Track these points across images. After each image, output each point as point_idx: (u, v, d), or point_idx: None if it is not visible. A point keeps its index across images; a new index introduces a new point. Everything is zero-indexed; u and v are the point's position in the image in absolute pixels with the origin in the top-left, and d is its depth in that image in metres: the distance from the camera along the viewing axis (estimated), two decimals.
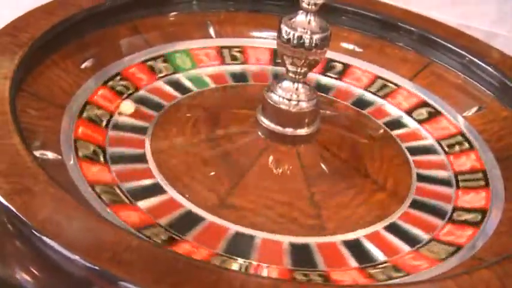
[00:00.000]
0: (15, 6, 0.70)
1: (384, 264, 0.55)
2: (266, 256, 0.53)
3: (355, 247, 0.56)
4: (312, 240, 0.56)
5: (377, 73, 0.80)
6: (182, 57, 0.77)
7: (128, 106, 0.67)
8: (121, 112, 0.66)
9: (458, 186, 0.65)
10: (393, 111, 0.75)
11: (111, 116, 0.66)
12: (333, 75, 0.80)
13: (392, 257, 0.56)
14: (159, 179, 0.59)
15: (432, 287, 0.46)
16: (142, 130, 0.65)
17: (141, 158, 0.62)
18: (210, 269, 0.43)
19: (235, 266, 0.52)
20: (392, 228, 0.59)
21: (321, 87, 0.77)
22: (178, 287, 0.41)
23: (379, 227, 0.59)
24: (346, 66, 0.81)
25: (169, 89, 0.73)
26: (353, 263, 0.54)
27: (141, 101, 0.69)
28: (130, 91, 0.70)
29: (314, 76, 0.78)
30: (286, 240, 0.55)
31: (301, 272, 0.52)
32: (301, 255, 0.54)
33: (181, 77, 0.75)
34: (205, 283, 0.41)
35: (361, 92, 0.78)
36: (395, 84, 0.78)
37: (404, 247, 0.57)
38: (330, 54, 0.78)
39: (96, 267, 0.42)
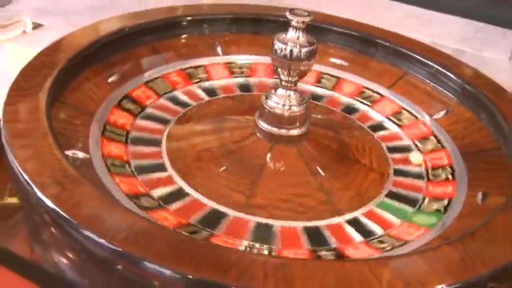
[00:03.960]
0: None
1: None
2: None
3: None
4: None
5: (362, 84, 0.79)
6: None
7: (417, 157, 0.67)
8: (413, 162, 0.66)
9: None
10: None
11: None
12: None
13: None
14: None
15: (402, 262, 0.45)
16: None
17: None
18: (209, 245, 0.43)
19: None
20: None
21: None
22: (183, 262, 0.41)
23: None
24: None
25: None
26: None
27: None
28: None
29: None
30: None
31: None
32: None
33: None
34: (206, 258, 0.41)
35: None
36: (379, 94, 0.77)
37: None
38: (321, 68, 0.79)
39: (116, 247, 0.42)
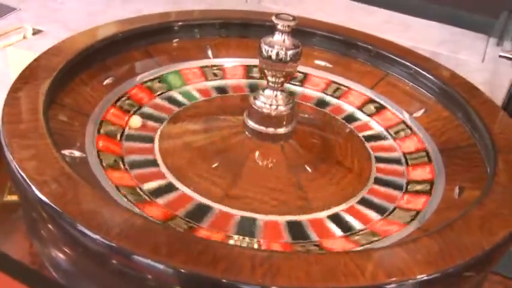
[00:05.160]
0: None
1: (363, 231, 0.54)
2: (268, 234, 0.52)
3: (337, 220, 0.55)
4: (303, 218, 0.54)
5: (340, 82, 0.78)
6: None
7: (136, 121, 0.65)
8: (130, 126, 0.64)
9: (407, 164, 0.64)
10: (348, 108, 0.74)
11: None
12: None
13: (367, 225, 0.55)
14: (171, 178, 0.57)
15: (384, 253, 0.44)
16: (149, 139, 0.63)
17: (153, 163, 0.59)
18: (199, 240, 0.42)
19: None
20: (363, 202, 0.58)
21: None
22: (174, 256, 0.40)
23: (352, 202, 0.57)
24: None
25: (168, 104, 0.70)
26: (338, 232, 0.53)
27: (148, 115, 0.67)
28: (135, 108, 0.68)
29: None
30: (282, 219, 0.53)
31: (300, 245, 0.51)
32: (296, 231, 0.53)
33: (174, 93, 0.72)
34: (197, 252, 0.40)
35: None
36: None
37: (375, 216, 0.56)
38: (305, 69, 0.78)
39: (109, 242, 0.41)
